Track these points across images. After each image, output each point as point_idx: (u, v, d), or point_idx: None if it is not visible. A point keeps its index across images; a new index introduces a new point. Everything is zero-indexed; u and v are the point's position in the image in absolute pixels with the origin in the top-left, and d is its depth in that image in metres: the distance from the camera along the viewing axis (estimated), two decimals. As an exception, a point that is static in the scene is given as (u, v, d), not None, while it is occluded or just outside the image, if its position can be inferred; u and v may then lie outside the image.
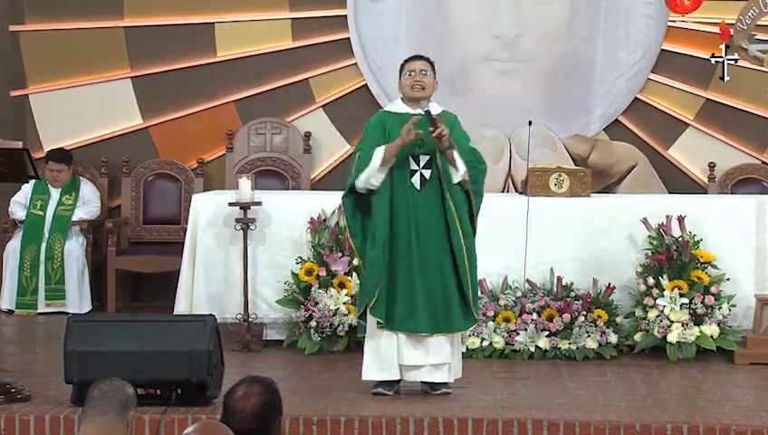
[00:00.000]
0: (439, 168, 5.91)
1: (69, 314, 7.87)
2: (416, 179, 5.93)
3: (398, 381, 6.02)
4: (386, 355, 5.97)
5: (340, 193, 7.86)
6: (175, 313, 7.27)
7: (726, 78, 7.20)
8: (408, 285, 5.90)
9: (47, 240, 8.56)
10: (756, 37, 7.33)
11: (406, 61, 6.08)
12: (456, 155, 5.89)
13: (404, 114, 5.98)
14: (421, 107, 5.92)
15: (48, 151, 8.82)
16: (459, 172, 5.91)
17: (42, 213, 8.64)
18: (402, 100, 6.08)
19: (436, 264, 5.92)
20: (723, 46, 7.19)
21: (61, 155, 8.73)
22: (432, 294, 5.91)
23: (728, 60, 7.14)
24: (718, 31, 8.69)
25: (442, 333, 5.94)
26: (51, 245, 8.55)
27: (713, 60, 7.23)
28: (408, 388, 6.07)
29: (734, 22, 7.32)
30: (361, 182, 5.90)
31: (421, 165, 5.94)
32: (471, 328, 6.43)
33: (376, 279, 5.89)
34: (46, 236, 8.57)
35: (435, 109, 6.00)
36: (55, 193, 8.71)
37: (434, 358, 5.94)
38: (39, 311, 8.50)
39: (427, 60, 6.07)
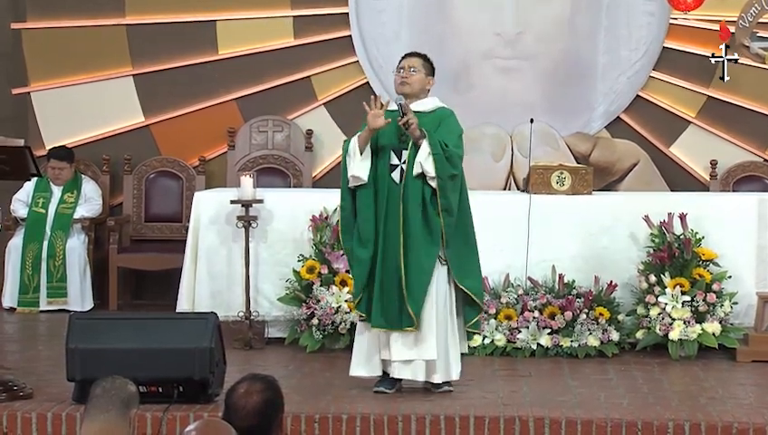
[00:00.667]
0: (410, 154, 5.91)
1: (71, 311, 7.87)
2: (396, 174, 5.94)
3: (400, 380, 6.02)
4: (368, 351, 5.99)
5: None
6: (177, 310, 7.27)
7: (726, 78, 7.19)
8: (385, 280, 5.90)
9: (49, 238, 8.56)
10: (758, 35, 7.32)
11: (401, 60, 6.14)
12: (424, 145, 5.86)
13: (392, 111, 5.99)
14: (396, 100, 5.94)
15: (50, 149, 8.82)
16: (423, 164, 5.84)
17: (43, 211, 8.64)
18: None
19: (417, 259, 5.90)
20: (723, 46, 7.18)
21: (62, 153, 8.73)
22: (390, 290, 5.89)
23: (728, 59, 7.13)
24: (719, 30, 8.71)
25: (394, 329, 5.90)
26: (53, 242, 8.55)
27: (713, 60, 7.23)
28: (410, 386, 6.07)
29: (735, 19, 7.31)
30: (349, 175, 5.93)
31: (402, 159, 5.94)
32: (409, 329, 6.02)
33: (363, 278, 5.92)
34: (48, 234, 8.57)
35: (430, 104, 6.02)
36: (57, 191, 8.71)
37: (400, 356, 5.92)
38: (41, 309, 8.50)
39: (421, 57, 6.09)
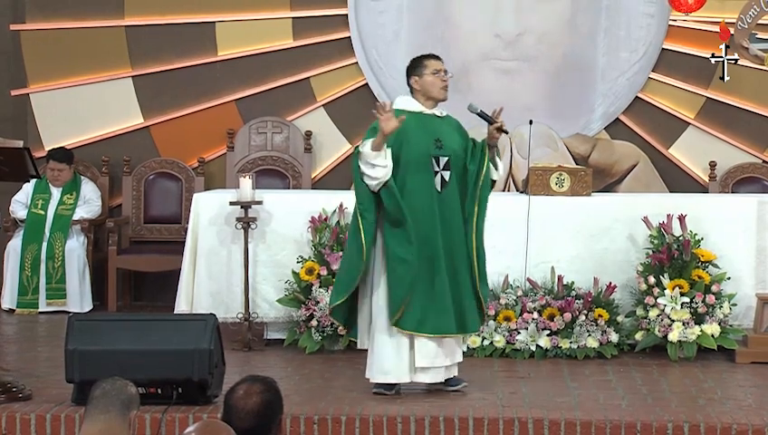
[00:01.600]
0: (455, 177, 5.91)
1: (70, 313, 7.87)
2: (437, 181, 5.91)
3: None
4: (397, 358, 5.90)
5: (341, 192, 7.92)
6: (176, 312, 7.27)
7: (726, 78, 7.19)
8: (438, 287, 5.86)
9: (48, 239, 8.56)
10: (757, 36, 7.32)
11: (425, 58, 6.01)
12: (495, 157, 5.96)
13: (420, 113, 5.94)
14: (470, 109, 5.94)
15: (49, 151, 8.82)
16: (499, 171, 5.98)
17: (43, 212, 8.64)
18: (413, 96, 6.00)
19: (462, 266, 5.92)
20: (723, 46, 7.18)
21: (61, 154, 8.73)
22: (458, 295, 5.91)
23: (728, 60, 7.13)
24: (719, 30, 8.70)
25: (466, 333, 6.00)
26: (52, 244, 8.55)
27: (713, 60, 7.23)
28: (409, 388, 6.07)
29: (734, 21, 7.32)
30: (370, 180, 5.75)
31: (441, 167, 5.92)
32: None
33: (401, 298, 5.80)
34: (47, 236, 8.57)
35: (442, 111, 6.01)
36: (56, 192, 8.71)
37: (449, 359, 5.97)
38: (40, 310, 8.50)
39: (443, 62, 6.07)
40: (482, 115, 5.97)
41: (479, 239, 5.97)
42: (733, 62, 7.11)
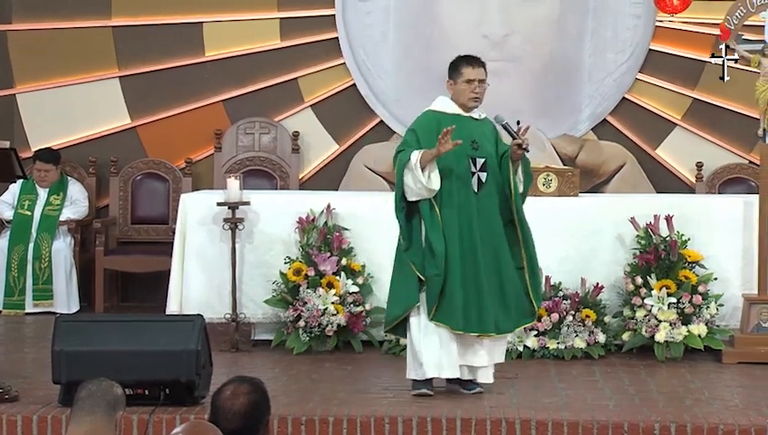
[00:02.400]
0: (491, 177, 5.92)
1: (57, 314, 7.86)
2: (474, 182, 5.92)
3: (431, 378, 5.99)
4: (447, 354, 5.89)
5: (329, 193, 7.93)
6: (167, 313, 7.26)
7: (727, 78, 7.19)
8: (475, 287, 5.87)
9: (35, 240, 8.54)
10: (744, 37, 7.32)
11: (462, 63, 5.98)
12: (520, 165, 5.97)
13: (458, 116, 5.94)
14: (497, 120, 5.93)
15: (36, 151, 8.80)
16: (520, 186, 5.99)
17: (29, 213, 8.62)
18: (451, 98, 6.01)
19: (500, 265, 5.93)
20: (723, 46, 7.18)
21: (48, 155, 8.71)
22: (499, 295, 5.92)
23: (728, 59, 7.13)
24: (706, 31, 8.73)
25: (509, 331, 6.03)
26: (38, 244, 8.53)
27: (713, 60, 7.23)
28: (397, 388, 6.07)
29: (721, 22, 7.33)
30: (413, 193, 5.79)
31: (478, 168, 5.93)
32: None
33: (436, 294, 5.83)
34: (34, 236, 8.55)
35: (480, 113, 6.02)
36: (43, 193, 8.69)
37: (494, 359, 6.01)
38: (27, 311, 8.48)
39: (484, 66, 6.01)
40: (506, 128, 5.94)
41: (526, 240, 6.00)
42: (733, 62, 7.11)
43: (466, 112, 5.99)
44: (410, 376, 5.99)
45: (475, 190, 5.92)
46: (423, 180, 5.75)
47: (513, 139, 5.91)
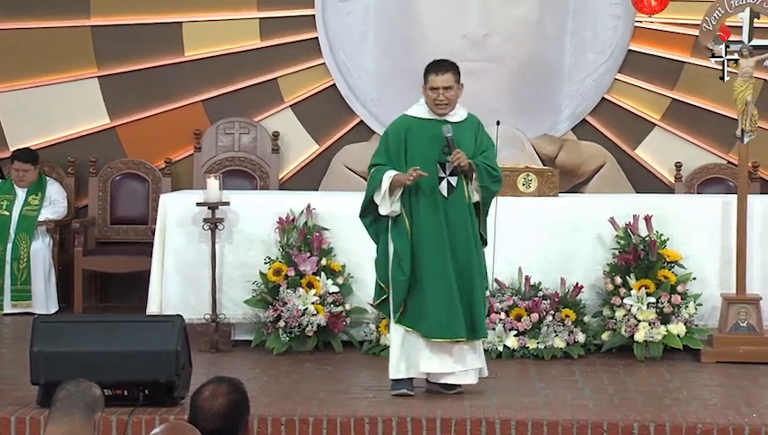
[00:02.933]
0: (462, 181, 5.93)
1: (35, 314, 7.82)
2: (443, 187, 5.92)
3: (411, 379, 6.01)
4: (413, 359, 5.95)
5: (309, 193, 7.92)
6: (147, 313, 7.24)
7: (727, 78, 7.21)
8: (445, 292, 5.88)
9: (13, 240, 8.50)
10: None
11: (429, 71, 5.97)
12: (474, 179, 5.92)
13: (429, 120, 5.96)
14: (444, 132, 5.89)
15: (14, 151, 8.76)
16: (473, 194, 5.96)
17: (8, 213, 8.58)
18: (426, 103, 6.02)
19: (470, 270, 5.93)
20: (723, 46, 7.19)
21: (27, 155, 8.67)
22: (468, 301, 5.91)
23: (728, 59, 7.15)
24: (684, 32, 8.76)
25: (477, 338, 5.97)
26: (17, 245, 8.49)
27: (712, 60, 7.25)
28: (377, 388, 6.07)
29: (699, 23, 7.36)
30: (380, 206, 5.90)
31: (447, 172, 5.93)
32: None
33: (400, 299, 5.90)
34: (12, 237, 8.51)
35: (460, 113, 5.99)
36: (21, 193, 8.65)
37: (463, 364, 5.97)
38: (5, 312, 8.44)
39: (451, 69, 5.96)
40: (447, 142, 5.92)
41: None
42: (734, 61, 7.13)
43: (440, 116, 5.98)
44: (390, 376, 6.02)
45: (445, 195, 5.92)
46: (388, 207, 5.89)
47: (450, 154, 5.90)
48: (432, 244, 5.90)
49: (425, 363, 5.94)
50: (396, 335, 5.99)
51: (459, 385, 6.02)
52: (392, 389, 5.99)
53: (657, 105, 8.93)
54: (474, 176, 5.92)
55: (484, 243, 6.10)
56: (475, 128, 6.03)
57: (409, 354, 5.96)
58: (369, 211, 5.99)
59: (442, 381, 6.01)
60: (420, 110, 6.04)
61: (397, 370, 5.98)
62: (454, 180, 5.93)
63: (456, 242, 5.92)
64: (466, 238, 5.94)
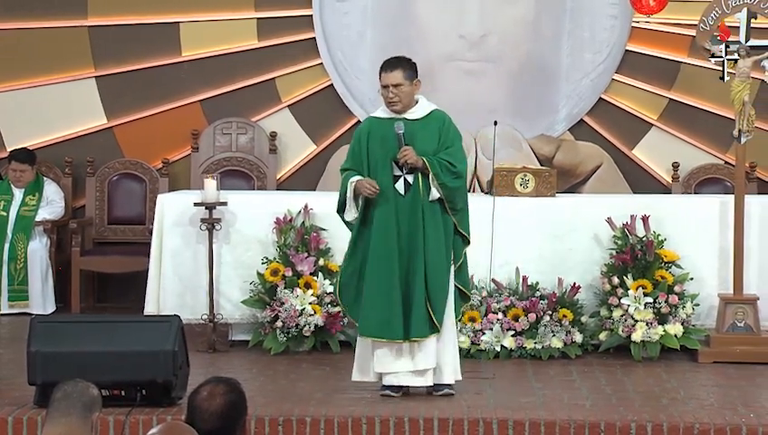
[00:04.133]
0: (420, 179, 5.91)
1: (32, 314, 7.82)
2: (399, 185, 5.92)
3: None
4: (365, 359, 5.99)
5: (306, 193, 7.95)
6: (144, 313, 7.24)
7: (727, 78, 7.22)
8: (387, 291, 5.87)
9: (10, 241, 8.50)
10: (719, 38, 7.34)
11: (381, 69, 6.00)
12: (430, 175, 5.88)
13: (387, 119, 5.97)
14: (396, 128, 5.89)
15: (11, 151, 8.76)
16: (433, 192, 5.91)
17: (5, 213, 8.57)
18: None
19: (406, 270, 5.89)
20: (723, 46, 7.20)
21: (24, 155, 8.67)
22: (407, 301, 5.89)
23: (728, 59, 7.15)
24: (682, 32, 8.77)
25: (409, 339, 5.90)
26: (14, 245, 8.49)
27: (712, 60, 7.25)
28: (374, 388, 6.06)
29: (696, 23, 7.37)
30: (345, 212, 5.99)
31: (405, 171, 5.92)
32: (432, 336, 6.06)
33: (349, 296, 5.97)
34: (9, 237, 8.51)
35: (421, 110, 5.97)
36: (18, 193, 8.65)
37: (413, 364, 5.92)
38: (2, 312, 8.43)
39: (400, 66, 5.97)
40: (398, 139, 5.91)
41: (433, 254, 5.91)
42: (733, 61, 7.13)
43: (399, 115, 5.97)
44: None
45: (402, 193, 5.91)
46: (352, 215, 5.97)
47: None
48: (378, 242, 5.89)
49: (375, 364, 5.94)
50: (358, 337, 6.02)
51: (448, 386, 5.99)
52: (380, 389, 6.01)
53: (655, 105, 8.93)
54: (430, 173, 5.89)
55: (466, 242, 6.02)
56: (440, 124, 5.98)
57: (366, 357, 5.97)
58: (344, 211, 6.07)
59: (395, 384, 5.95)
60: (381, 110, 6.06)
61: (355, 372, 6.02)
62: (411, 178, 5.92)
63: (408, 240, 5.88)
64: (414, 238, 5.87)
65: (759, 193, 8.50)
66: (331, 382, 6.34)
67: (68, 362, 5.50)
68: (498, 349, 7.02)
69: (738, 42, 7.20)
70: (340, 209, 6.05)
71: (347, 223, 6.09)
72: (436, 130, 5.96)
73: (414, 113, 6.00)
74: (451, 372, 6.00)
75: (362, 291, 5.93)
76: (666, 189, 8.85)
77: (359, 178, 5.92)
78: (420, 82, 6.04)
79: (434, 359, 5.94)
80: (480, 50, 8.89)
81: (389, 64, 6.00)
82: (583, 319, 7.13)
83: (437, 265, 5.90)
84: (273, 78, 8.99)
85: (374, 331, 5.90)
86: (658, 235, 7.18)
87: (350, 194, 5.93)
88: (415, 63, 6.06)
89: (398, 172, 5.92)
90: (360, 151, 5.98)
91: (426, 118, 5.99)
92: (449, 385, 6.00)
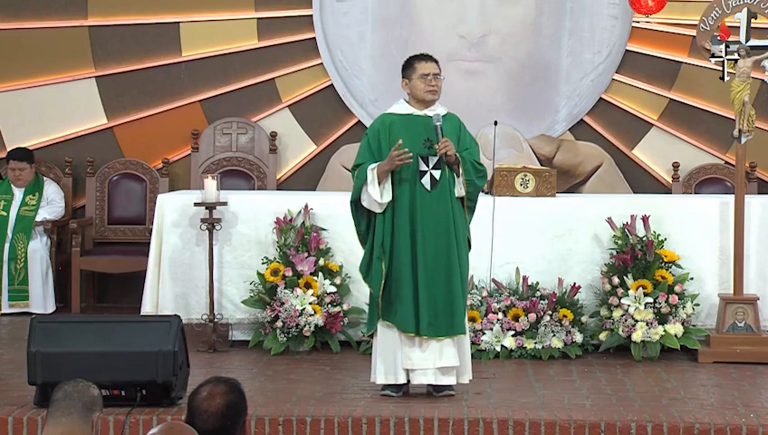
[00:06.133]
0: (446, 175, 5.91)
1: (32, 314, 7.82)
2: (426, 180, 5.90)
3: (405, 383, 5.99)
4: (392, 359, 5.93)
5: (306, 193, 7.93)
6: (142, 313, 7.24)
7: (727, 78, 7.22)
8: (413, 287, 5.87)
9: (10, 240, 8.50)
10: (719, 38, 7.35)
11: (415, 60, 5.98)
12: (461, 173, 5.89)
13: (410, 115, 5.95)
14: (434, 119, 5.88)
15: (8, 151, 8.76)
16: (459, 188, 5.92)
17: (5, 213, 8.58)
18: (406, 100, 6.02)
19: (443, 266, 5.88)
20: (723, 46, 7.20)
21: (21, 153, 8.68)
22: (435, 297, 5.87)
23: (728, 59, 7.15)
24: (682, 32, 8.77)
25: (442, 336, 5.90)
26: (14, 245, 8.49)
27: (712, 60, 7.25)
28: (374, 388, 6.06)
29: (696, 23, 7.37)
30: (366, 203, 5.87)
31: (431, 165, 5.91)
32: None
33: (378, 287, 5.89)
34: (9, 237, 8.51)
35: (440, 110, 5.97)
36: (18, 193, 8.65)
37: (440, 361, 5.91)
38: (2, 312, 8.43)
39: (437, 61, 6.00)
40: (435, 131, 5.91)
41: (463, 248, 5.95)
42: (733, 61, 7.13)
43: (422, 110, 5.97)
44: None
45: (428, 189, 5.89)
46: (378, 198, 5.82)
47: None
48: (404, 237, 5.87)
49: (404, 359, 5.91)
50: (379, 335, 5.96)
51: (449, 387, 5.97)
52: (382, 389, 6.00)
53: (655, 105, 8.93)
54: (460, 169, 5.90)
55: (469, 245, 6.02)
56: (457, 125, 6.01)
57: (388, 356, 5.92)
58: (359, 211, 5.97)
59: (424, 382, 5.95)
60: (401, 106, 6.03)
61: (379, 375, 5.95)
62: (437, 174, 5.91)
63: (437, 236, 5.87)
64: (446, 233, 5.88)
65: (759, 193, 8.51)
66: (331, 382, 6.34)
67: (68, 362, 5.50)
68: (498, 349, 7.02)
69: (738, 42, 7.20)
70: (356, 199, 5.90)
71: (357, 217, 5.94)
72: (454, 131, 5.98)
73: (436, 110, 5.99)
74: (465, 374, 6.02)
75: (392, 289, 5.87)
76: (666, 189, 8.85)
77: (377, 163, 5.83)
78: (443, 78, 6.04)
79: (457, 358, 5.95)
80: (480, 50, 8.89)
81: (426, 56, 6.00)
82: (583, 319, 7.13)
83: (467, 261, 5.97)
84: (273, 78, 8.99)
85: (406, 326, 5.85)
86: (658, 235, 7.18)
87: (371, 178, 5.80)
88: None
89: (423, 167, 5.90)
90: (380, 147, 5.88)
91: (445, 117, 6.00)
92: (449, 386, 6.00)
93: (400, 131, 5.90)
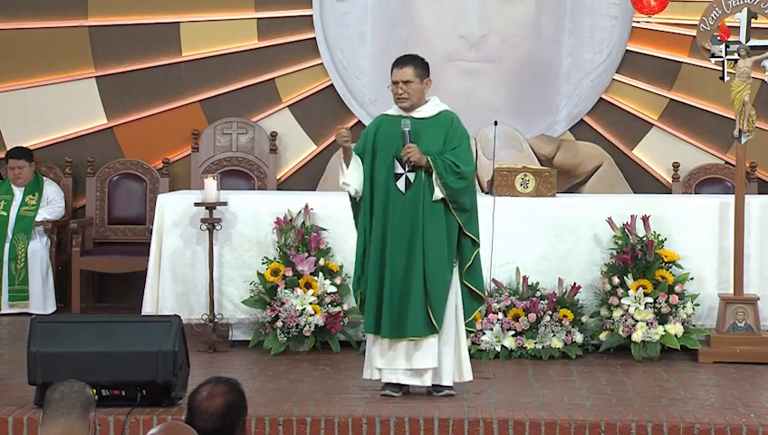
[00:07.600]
0: (422, 178, 5.91)
1: (32, 314, 7.82)
2: (401, 183, 5.92)
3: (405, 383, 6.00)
4: (369, 357, 6.02)
5: (306, 193, 7.95)
6: (142, 313, 7.24)
7: (727, 78, 7.21)
8: (378, 288, 5.90)
9: (11, 240, 8.50)
10: (719, 38, 7.34)
11: (392, 65, 6.03)
12: (434, 174, 5.87)
13: (397, 117, 6.00)
14: (402, 125, 5.91)
15: (7, 150, 8.76)
16: (436, 191, 5.91)
17: (5, 213, 8.57)
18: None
19: (403, 268, 5.88)
20: (723, 46, 7.19)
21: (19, 151, 8.68)
22: (393, 299, 5.88)
23: (728, 59, 7.15)
24: (682, 32, 8.77)
25: (397, 338, 5.89)
26: (14, 245, 8.49)
27: (712, 60, 7.24)
28: (374, 388, 6.06)
29: (697, 23, 7.37)
30: (340, 183, 6.00)
31: (407, 168, 5.92)
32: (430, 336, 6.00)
33: (355, 286, 6.02)
34: (9, 237, 8.51)
35: (431, 109, 5.97)
36: (18, 193, 8.65)
37: (408, 363, 5.92)
38: (2, 312, 8.43)
39: (412, 63, 5.98)
40: (403, 136, 5.91)
41: (434, 252, 5.90)
42: (734, 61, 7.13)
43: (407, 112, 5.98)
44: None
45: (402, 191, 5.90)
46: (341, 179, 5.98)
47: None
48: (375, 240, 5.91)
49: (374, 358, 5.97)
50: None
51: (448, 387, 5.97)
52: (382, 389, 6.02)
53: (655, 105, 8.93)
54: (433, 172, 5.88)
55: (476, 244, 6.00)
56: (447, 124, 5.98)
57: (368, 353, 6.02)
58: (353, 205, 6.08)
59: (392, 381, 5.95)
60: (393, 108, 6.08)
61: (365, 369, 6.05)
62: (412, 177, 5.91)
63: (398, 238, 5.87)
64: (410, 236, 5.86)
65: (759, 193, 8.50)
66: (331, 382, 6.34)
67: (68, 362, 5.50)
68: (498, 349, 7.02)
69: (738, 42, 7.20)
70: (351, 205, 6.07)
71: (353, 210, 6.05)
72: (442, 131, 5.96)
73: (422, 112, 6.00)
74: (449, 375, 5.99)
75: (365, 290, 5.96)
76: (666, 189, 8.85)
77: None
78: (431, 81, 6.03)
79: (434, 359, 5.92)
80: (480, 50, 8.89)
81: (401, 61, 6.02)
82: (583, 319, 7.13)
83: (437, 265, 5.88)
84: (274, 78, 8.99)
85: (368, 326, 5.95)
86: (659, 235, 7.18)
87: (338, 161, 5.98)
88: (427, 63, 6.06)
89: (399, 170, 5.93)
90: (365, 147, 5.98)
91: (434, 117, 6.00)
92: (449, 387, 6.00)
93: (385, 132, 5.97)
